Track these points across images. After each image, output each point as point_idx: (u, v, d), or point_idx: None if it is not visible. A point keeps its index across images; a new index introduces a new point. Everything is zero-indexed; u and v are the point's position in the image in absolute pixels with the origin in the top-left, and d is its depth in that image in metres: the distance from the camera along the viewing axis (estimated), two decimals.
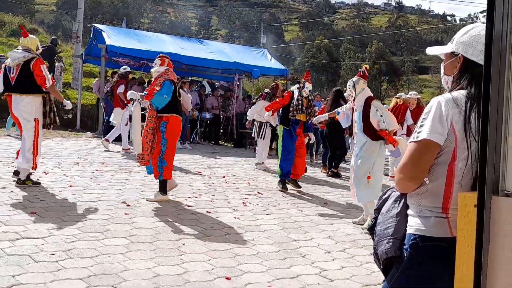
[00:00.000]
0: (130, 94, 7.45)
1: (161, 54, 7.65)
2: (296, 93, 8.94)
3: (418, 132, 2.16)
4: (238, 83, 17.45)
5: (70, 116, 8.15)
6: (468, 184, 2.13)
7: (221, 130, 16.78)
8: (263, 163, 11.32)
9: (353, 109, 6.98)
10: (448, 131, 2.13)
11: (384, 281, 2.43)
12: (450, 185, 2.14)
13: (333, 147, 11.36)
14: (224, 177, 9.80)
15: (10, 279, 3.95)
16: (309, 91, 9.07)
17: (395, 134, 6.94)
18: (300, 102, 8.83)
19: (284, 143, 8.97)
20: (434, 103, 2.18)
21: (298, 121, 8.95)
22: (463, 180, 2.13)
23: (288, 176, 9.01)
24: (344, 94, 9.69)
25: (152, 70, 7.52)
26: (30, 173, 7.38)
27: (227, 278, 4.41)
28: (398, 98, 11.93)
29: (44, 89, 7.16)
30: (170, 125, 7.10)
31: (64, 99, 7.64)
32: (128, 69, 12.71)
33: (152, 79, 7.50)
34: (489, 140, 1.80)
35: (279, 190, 8.79)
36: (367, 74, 6.98)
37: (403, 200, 2.33)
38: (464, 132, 2.11)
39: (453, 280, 1.95)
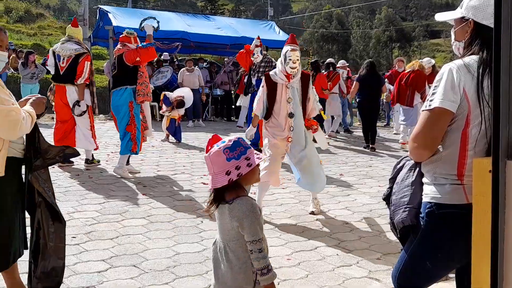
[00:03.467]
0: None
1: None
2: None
3: (431, 100, 2.14)
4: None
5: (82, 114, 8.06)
6: (483, 150, 2.12)
7: (233, 106, 16.76)
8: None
9: (273, 85, 5.59)
10: (461, 98, 2.11)
11: (402, 249, 2.45)
12: (464, 152, 2.13)
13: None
14: None
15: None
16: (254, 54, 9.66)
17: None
18: (262, 64, 9.59)
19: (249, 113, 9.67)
20: (445, 70, 2.16)
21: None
22: (477, 146, 2.12)
23: (257, 146, 9.10)
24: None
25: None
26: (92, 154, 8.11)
27: None
28: (413, 62, 11.30)
29: (74, 82, 7.66)
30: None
31: (82, 101, 7.71)
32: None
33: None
34: (502, 105, 1.79)
35: None
36: None
37: (417, 169, 2.33)
38: (477, 98, 2.09)
39: (470, 246, 1.96)
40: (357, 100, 11.59)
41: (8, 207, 3.08)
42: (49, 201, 3.19)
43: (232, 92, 16.39)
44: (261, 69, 9.65)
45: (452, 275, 3.51)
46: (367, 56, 33.57)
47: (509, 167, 1.80)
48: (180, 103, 10.66)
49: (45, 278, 3.16)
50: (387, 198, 2.49)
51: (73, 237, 4.67)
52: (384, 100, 16.08)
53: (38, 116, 3.19)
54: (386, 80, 12.79)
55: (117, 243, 4.58)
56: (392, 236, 4.82)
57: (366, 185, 7.39)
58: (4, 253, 3.08)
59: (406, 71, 10.96)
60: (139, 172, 7.59)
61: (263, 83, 5.58)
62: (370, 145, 10.81)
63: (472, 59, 2.16)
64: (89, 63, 7.64)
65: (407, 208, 2.29)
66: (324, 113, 10.41)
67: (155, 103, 15.15)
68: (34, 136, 3.15)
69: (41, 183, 3.15)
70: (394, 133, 13.71)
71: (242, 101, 12.15)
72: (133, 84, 7.20)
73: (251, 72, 10.02)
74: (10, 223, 3.09)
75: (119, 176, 7.20)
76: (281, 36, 17.91)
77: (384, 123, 16.84)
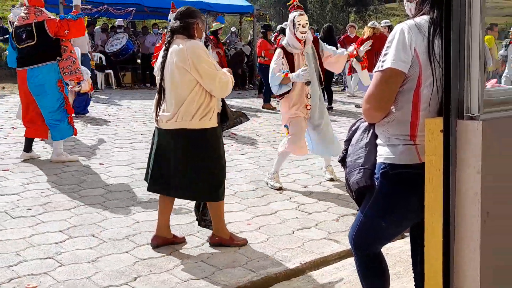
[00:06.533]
0: None
1: None
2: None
3: (382, 61, 2.15)
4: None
5: None
6: (435, 111, 2.14)
7: None
8: None
9: (289, 53, 5.49)
10: (412, 58, 2.12)
11: (358, 210, 2.49)
12: (416, 112, 2.16)
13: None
14: None
15: None
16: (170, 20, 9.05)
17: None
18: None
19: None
20: (397, 30, 2.16)
21: None
22: (429, 106, 2.15)
23: None
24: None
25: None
26: None
27: None
28: (373, 27, 11.17)
29: None
30: (18, 81, 6.28)
31: None
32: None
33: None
34: (452, 65, 1.81)
35: None
36: None
37: (371, 131, 2.35)
38: (428, 58, 2.11)
39: (423, 205, 2.00)
40: None
41: (222, 152, 3.84)
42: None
43: None
44: None
45: (408, 234, 3.62)
46: (323, 20, 33.53)
47: (459, 126, 1.84)
48: None
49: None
50: (342, 160, 2.52)
51: (29, 209, 4.58)
52: None
53: None
54: (338, 45, 12.83)
55: (75, 214, 4.52)
56: (349, 198, 4.90)
57: None
58: (221, 188, 3.81)
59: (364, 37, 10.97)
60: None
61: (281, 55, 5.42)
62: (328, 106, 10.98)
63: (423, 19, 2.17)
64: None
65: (362, 169, 2.31)
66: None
67: (111, 71, 14.84)
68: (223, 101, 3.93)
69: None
70: (347, 96, 13.86)
71: None
72: (56, 59, 6.13)
73: None
74: (224, 166, 3.86)
75: (64, 159, 6.37)
76: (240, 0, 17.62)
77: (341, 88, 16.98)
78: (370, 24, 11.88)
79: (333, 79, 17.34)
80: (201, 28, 3.82)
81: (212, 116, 3.70)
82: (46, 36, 6.06)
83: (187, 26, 3.71)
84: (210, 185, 3.75)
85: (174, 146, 3.71)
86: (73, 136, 6.49)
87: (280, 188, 5.39)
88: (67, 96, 6.35)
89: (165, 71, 3.68)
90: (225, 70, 3.83)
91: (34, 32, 6.05)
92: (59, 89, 6.17)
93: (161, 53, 3.76)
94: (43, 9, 6.28)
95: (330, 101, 11.19)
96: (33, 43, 6.05)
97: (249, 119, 4.30)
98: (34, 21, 6.07)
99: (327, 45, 5.72)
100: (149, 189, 3.94)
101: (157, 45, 9.03)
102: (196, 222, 4.18)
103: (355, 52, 5.55)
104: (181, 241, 3.99)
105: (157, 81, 3.77)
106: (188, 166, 3.71)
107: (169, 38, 3.74)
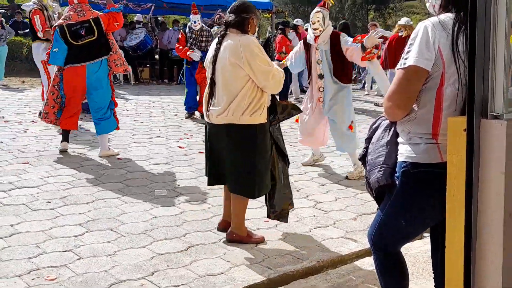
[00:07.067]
0: None
1: None
2: (187, 31, 9.08)
3: (405, 59, 2.12)
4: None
5: None
6: (458, 109, 2.12)
7: None
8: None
9: (309, 47, 5.83)
10: (436, 56, 2.09)
11: (377, 209, 2.48)
12: (439, 111, 2.13)
13: None
14: None
15: (8, 229, 3.99)
16: (194, 22, 8.90)
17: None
18: (192, 39, 8.96)
19: (186, 80, 9.42)
20: (420, 27, 2.13)
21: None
22: (452, 105, 2.12)
23: (195, 109, 9.45)
24: (306, 29, 9.33)
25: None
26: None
27: None
28: (405, 25, 10.66)
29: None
30: (65, 77, 6.27)
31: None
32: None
33: None
34: (477, 64, 1.79)
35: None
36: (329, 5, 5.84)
37: (393, 129, 2.33)
38: (452, 56, 2.08)
39: (444, 205, 1.98)
40: None
41: (268, 147, 3.83)
42: (279, 145, 4.01)
43: None
44: (203, 39, 9.04)
45: (427, 234, 3.59)
46: (342, 18, 33.33)
47: (483, 126, 1.82)
48: None
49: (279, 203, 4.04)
50: (362, 158, 2.50)
51: (48, 202, 4.63)
52: None
53: None
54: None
55: (93, 207, 4.55)
56: (367, 197, 4.88)
57: None
58: (259, 185, 3.79)
59: (397, 34, 10.72)
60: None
61: (299, 46, 6.02)
62: None
63: (447, 17, 2.14)
64: (37, 16, 7.84)
65: (382, 168, 2.30)
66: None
67: (129, 66, 14.90)
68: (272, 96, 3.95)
69: (273, 132, 3.95)
70: (366, 94, 13.76)
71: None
72: (108, 53, 6.35)
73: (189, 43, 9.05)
74: (269, 162, 3.85)
75: (111, 153, 6.47)
76: None
77: (360, 86, 16.87)
78: (404, 21, 11.13)
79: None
80: (255, 24, 3.82)
81: (262, 112, 3.72)
82: (102, 31, 6.30)
83: (242, 21, 3.72)
84: (249, 180, 3.77)
85: (223, 140, 3.77)
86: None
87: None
88: (114, 89, 6.57)
89: (217, 66, 3.69)
90: (274, 63, 3.85)
91: (94, 27, 6.24)
92: (109, 82, 6.41)
93: (213, 45, 3.77)
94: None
95: None
96: (94, 38, 6.23)
97: (301, 111, 4.36)
98: (91, 17, 6.27)
99: (348, 38, 5.66)
100: (208, 183, 4.07)
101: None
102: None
103: (360, 38, 5.52)
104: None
105: (208, 75, 3.80)
106: (233, 160, 3.76)
107: (222, 32, 3.74)
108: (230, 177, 3.83)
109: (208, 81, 3.79)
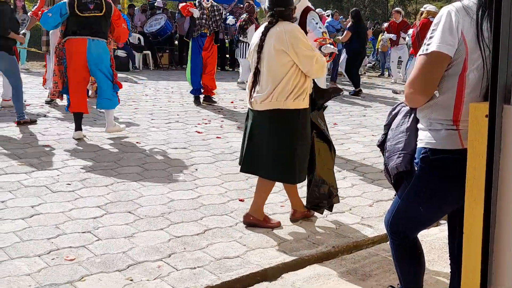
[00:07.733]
0: None
1: None
2: (196, 5, 8.97)
3: (428, 45, 2.10)
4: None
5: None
6: (479, 95, 2.09)
7: (219, 55, 16.51)
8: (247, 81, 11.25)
9: None
10: (459, 41, 2.06)
11: (395, 195, 2.47)
12: (460, 97, 2.11)
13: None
14: (232, 102, 9.79)
15: (29, 210, 4.06)
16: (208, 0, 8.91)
17: None
18: (203, 16, 8.87)
19: (192, 50, 9.13)
20: (444, 12, 2.10)
21: (204, 35, 9.01)
22: (474, 91, 2.10)
23: (200, 92, 9.31)
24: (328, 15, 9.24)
25: None
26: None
27: (241, 200, 4.50)
28: (434, 13, 10.19)
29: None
30: (66, 51, 6.20)
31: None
32: None
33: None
34: (501, 49, 1.76)
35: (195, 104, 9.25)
36: None
37: (413, 115, 2.31)
38: (477, 41, 2.05)
39: (463, 192, 1.96)
40: (350, 48, 11.40)
41: (309, 133, 3.89)
42: (323, 131, 4.02)
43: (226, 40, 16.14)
44: (214, 19, 9.03)
45: (444, 221, 3.58)
46: (362, 5, 32.94)
47: (505, 112, 1.79)
48: None
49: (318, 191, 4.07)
50: (381, 145, 2.49)
51: (68, 184, 4.69)
52: (380, 50, 15.91)
53: None
54: (385, 32, 13.06)
55: (112, 190, 4.60)
56: (384, 184, 4.87)
57: (359, 134, 7.41)
58: (304, 170, 3.91)
59: (422, 20, 10.45)
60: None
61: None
62: (355, 90, 11.39)
63: (471, 1, 2.10)
64: None
65: (402, 154, 2.28)
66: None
67: (148, 51, 14.97)
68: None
69: (315, 118, 3.97)
70: (392, 82, 13.66)
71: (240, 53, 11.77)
72: (107, 38, 6.41)
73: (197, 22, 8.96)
74: (308, 148, 3.90)
75: (118, 128, 6.69)
76: None
77: (378, 73, 16.74)
78: (434, 9, 10.74)
79: (368, 64, 17.18)
80: (294, 12, 3.93)
81: (305, 97, 3.77)
82: (109, 16, 6.28)
83: (288, 12, 3.80)
84: (290, 165, 3.80)
85: (264, 126, 3.79)
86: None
87: None
88: (116, 73, 6.56)
89: (263, 54, 3.73)
90: (320, 54, 3.92)
91: (104, 5, 6.19)
92: (111, 65, 6.40)
93: (258, 34, 3.80)
94: None
95: (356, 84, 11.41)
96: (100, 14, 6.16)
97: (341, 91, 4.42)
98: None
99: (314, 20, 5.42)
100: (241, 170, 4.05)
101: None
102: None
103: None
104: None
105: (252, 63, 3.83)
106: (272, 146, 3.78)
107: (269, 20, 3.75)
108: (267, 164, 3.82)
109: (252, 70, 3.82)
